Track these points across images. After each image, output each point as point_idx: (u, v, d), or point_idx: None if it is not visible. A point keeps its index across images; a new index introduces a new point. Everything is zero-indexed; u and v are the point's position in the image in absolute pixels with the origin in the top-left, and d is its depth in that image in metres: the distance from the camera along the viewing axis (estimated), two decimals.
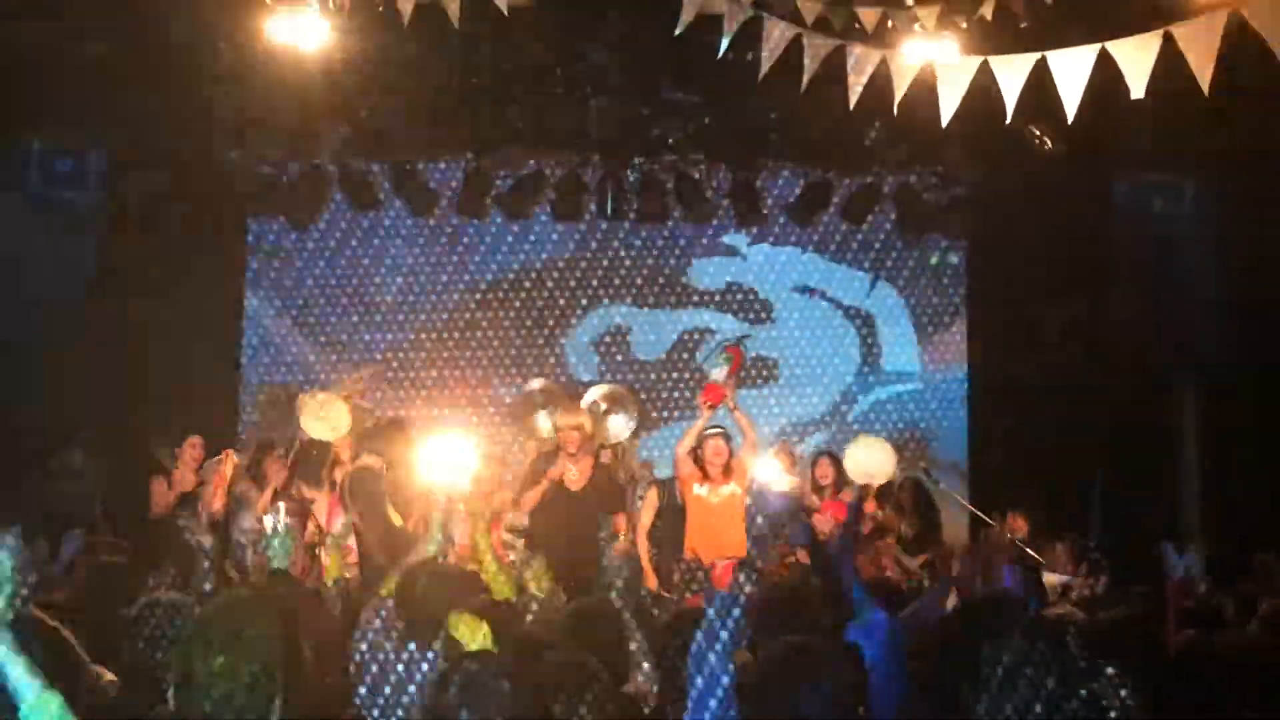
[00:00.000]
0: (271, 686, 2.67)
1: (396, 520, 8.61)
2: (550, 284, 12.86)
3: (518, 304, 12.83)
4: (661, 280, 12.95)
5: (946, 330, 13.06)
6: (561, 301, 12.88)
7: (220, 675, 2.66)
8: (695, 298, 13.00)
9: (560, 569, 8.68)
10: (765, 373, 12.93)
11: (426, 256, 12.77)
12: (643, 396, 12.47)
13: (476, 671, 3.08)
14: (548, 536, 8.90)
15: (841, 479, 9.93)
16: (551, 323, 12.86)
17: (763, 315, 13.06)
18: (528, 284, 12.85)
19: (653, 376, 12.86)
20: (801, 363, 13.03)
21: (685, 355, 12.90)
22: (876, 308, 13.12)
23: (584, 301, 12.89)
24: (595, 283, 12.88)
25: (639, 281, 12.92)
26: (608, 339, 12.95)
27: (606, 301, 12.93)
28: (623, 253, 12.88)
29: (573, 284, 12.87)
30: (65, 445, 10.15)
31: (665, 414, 12.71)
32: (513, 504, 9.15)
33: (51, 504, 9.26)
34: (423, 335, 12.74)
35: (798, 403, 12.97)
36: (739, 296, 13.04)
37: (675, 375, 12.89)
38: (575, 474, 9.05)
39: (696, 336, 12.96)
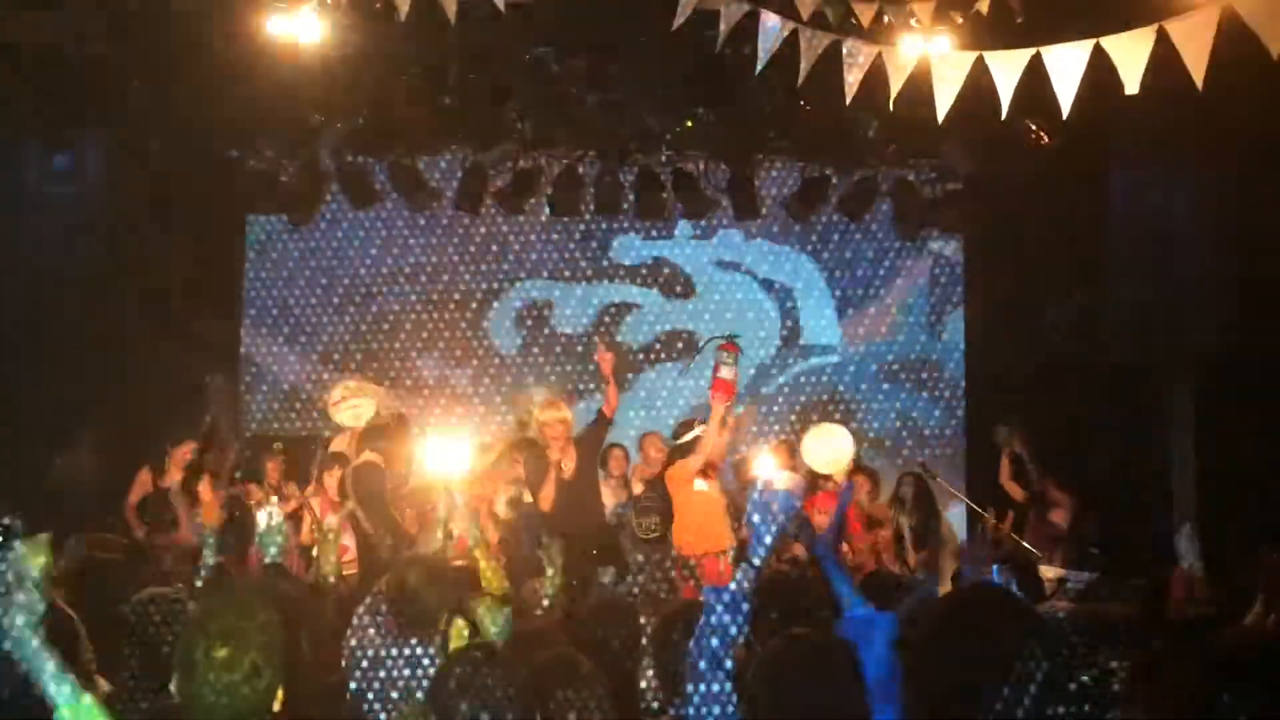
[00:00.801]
0: (272, 679, 2.69)
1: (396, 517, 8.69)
2: (469, 262, 12.91)
3: (440, 285, 12.95)
4: (585, 256, 13.01)
5: (867, 305, 13.12)
6: (482, 280, 12.96)
7: (222, 666, 2.68)
8: (618, 272, 13.04)
9: (570, 558, 8.82)
10: (686, 347, 13.01)
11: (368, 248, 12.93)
12: (565, 369, 12.74)
13: (476, 665, 3.11)
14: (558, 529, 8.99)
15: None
16: (476, 301, 12.95)
17: (684, 290, 13.11)
18: (442, 264, 12.94)
19: (577, 349, 12.94)
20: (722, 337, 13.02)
21: (606, 329, 12.97)
22: (797, 282, 13.15)
23: (502, 278, 12.97)
24: (511, 258, 12.96)
25: (563, 256, 12.97)
26: (529, 313, 13.00)
27: (525, 277, 12.99)
28: (547, 235, 12.95)
29: (490, 262, 12.92)
30: (70, 444, 10.16)
31: (585, 387, 12.76)
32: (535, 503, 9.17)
33: (55, 502, 9.29)
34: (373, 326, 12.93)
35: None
36: (663, 271, 13.07)
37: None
38: (567, 466, 9.09)
39: (616, 311, 13.04)
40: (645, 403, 12.82)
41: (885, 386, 12.87)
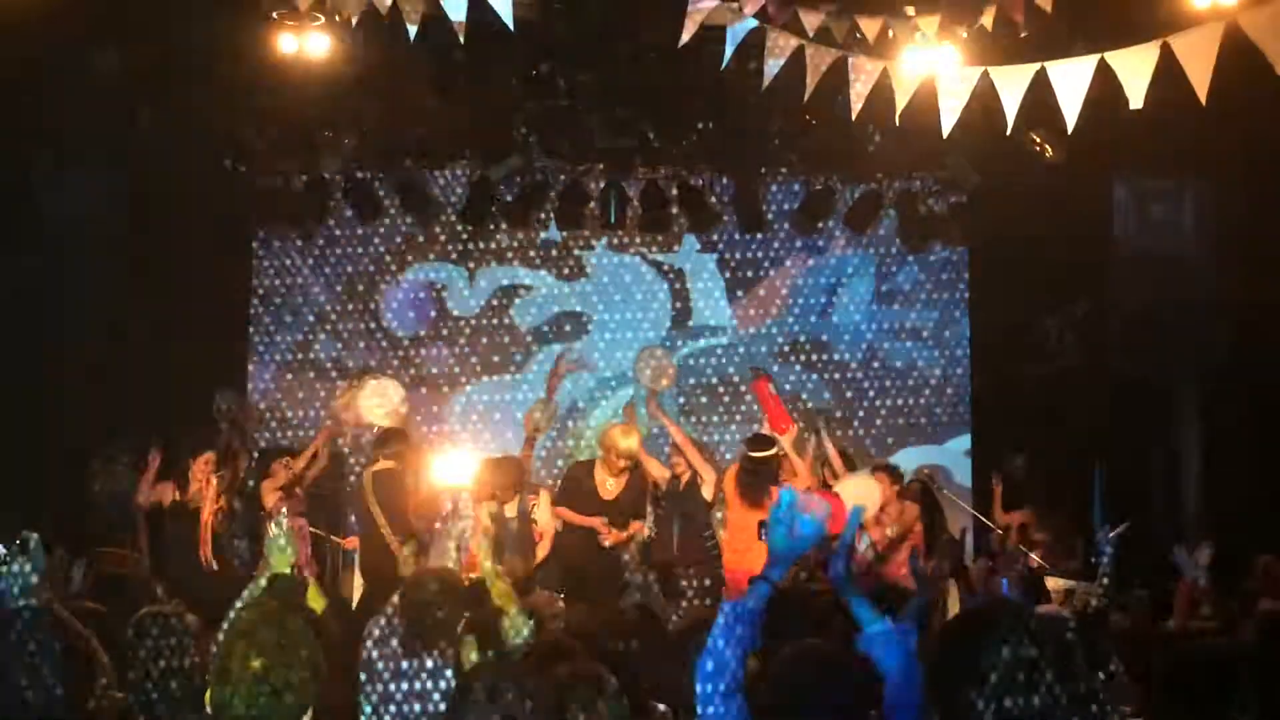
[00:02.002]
0: (303, 695, 2.72)
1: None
2: (362, 243, 12.91)
3: (332, 260, 12.95)
4: (479, 239, 12.96)
5: (757, 286, 13.12)
6: (376, 261, 12.97)
7: (255, 678, 2.71)
8: (509, 255, 13.03)
9: (586, 575, 8.89)
10: (576, 329, 13.06)
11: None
12: (459, 351, 12.83)
13: (498, 679, 3.13)
14: (577, 544, 9.05)
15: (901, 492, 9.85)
16: (364, 282, 12.96)
17: (576, 272, 13.12)
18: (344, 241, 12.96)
19: (467, 331, 12.95)
20: (612, 319, 13.09)
21: (496, 312, 12.99)
22: (686, 263, 13.16)
23: (398, 260, 12.99)
24: (401, 242, 12.94)
25: (456, 238, 12.96)
26: (423, 296, 13.01)
27: (414, 260, 12.98)
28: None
29: (380, 244, 12.92)
30: (105, 458, 10.23)
31: (478, 370, 12.87)
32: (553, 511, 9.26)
33: (67, 520, 9.33)
34: None
35: (606, 359, 13.06)
36: (553, 253, 13.06)
37: (490, 327, 12.98)
38: (612, 485, 9.15)
39: (510, 294, 13.04)
40: (538, 384, 12.71)
41: (776, 368, 12.82)
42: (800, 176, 12.62)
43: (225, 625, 4.33)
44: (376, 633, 4.90)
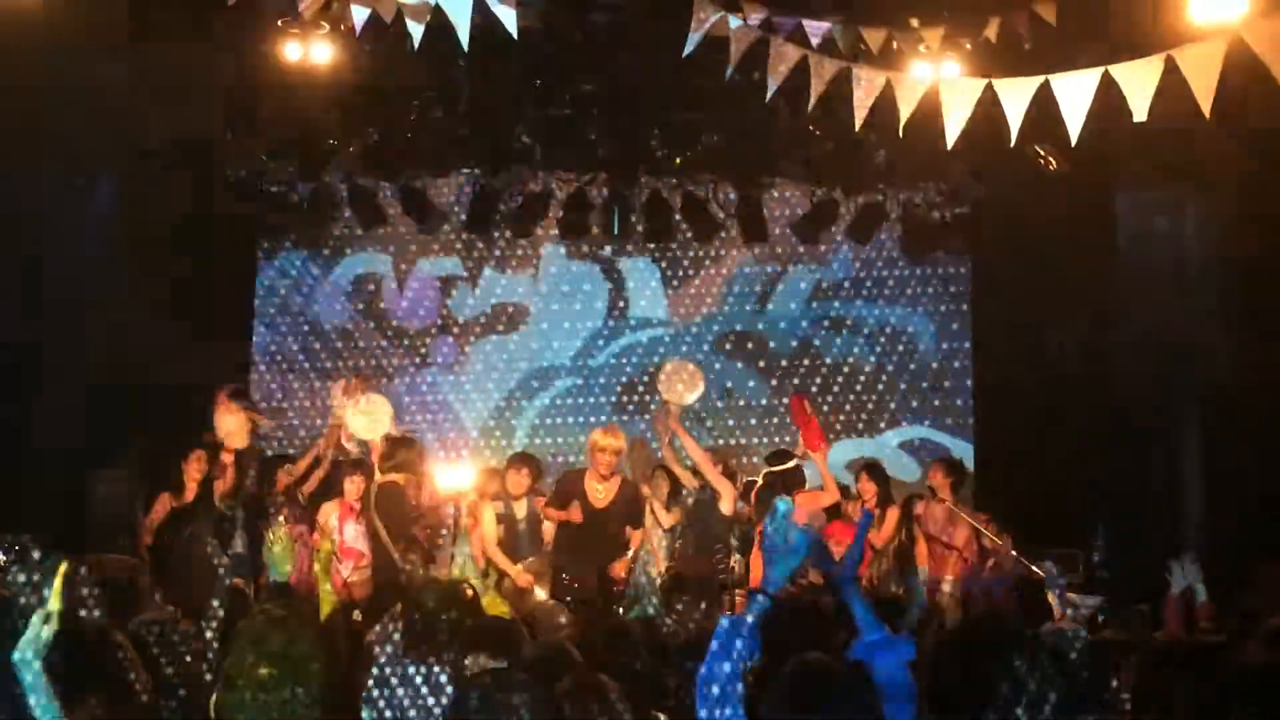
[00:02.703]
0: (310, 705, 2.71)
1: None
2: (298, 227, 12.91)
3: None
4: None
5: (694, 279, 13.20)
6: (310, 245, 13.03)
7: (261, 685, 2.71)
8: (456, 246, 13.08)
9: (583, 585, 8.85)
10: (516, 320, 13.15)
11: None
12: (392, 343, 12.94)
13: (496, 687, 3.12)
14: (572, 555, 9.00)
15: (885, 494, 9.95)
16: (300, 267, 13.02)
17: (518, 265, 13.17)
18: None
19: (399, 320, 13.03)
20: (551, 310, 13.19)
21: (435, 302, 13.07)
22: (627, 258, 13.26)
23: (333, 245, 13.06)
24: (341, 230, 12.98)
25: (398, 230, 12.97)
26: (360, 287, 13.10)
27: (348, 250, 13.04)
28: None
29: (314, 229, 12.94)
30: (87, 468, 10.21)
31: (416, 361, 12.99)
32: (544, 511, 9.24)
33: (70, 525, 9.32)
34: None
35: (545, 349, 13.18)
36: (499, 244, 13.09)
37: (425, 320, 13.08)
38: (602, 492, 9.09)
39: (445, 284, 13.12)
40: (481, 375, 13.00)
41: (713, 360, 12.96)
42: (804, 186, 12.64)
43: (213, 625, 4.32)
44: (379, 641, 4.90)
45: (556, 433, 12.95)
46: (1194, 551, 6.39)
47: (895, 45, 7.38)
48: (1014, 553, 9.70)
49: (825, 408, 12.92)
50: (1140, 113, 6.07)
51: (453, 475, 9.26)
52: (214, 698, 2.88)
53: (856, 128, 6.93)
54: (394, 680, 4.63)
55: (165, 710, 4.11)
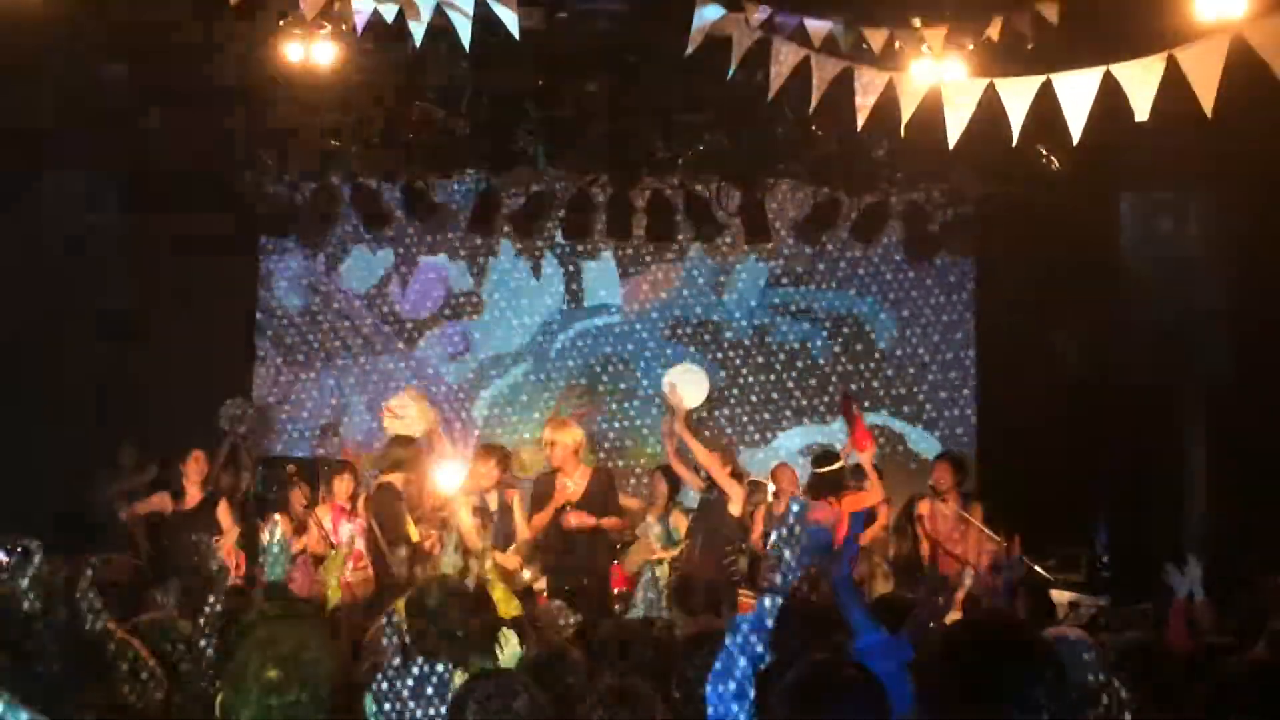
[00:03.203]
0: (317, 709, 2.70)
1: (414, 535, 8.74)
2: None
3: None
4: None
5: (650, 265, 13.28)
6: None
7: (268, 688, 2.70)
8: (408, 236, 13.10)
9: (573, 582, 8.80)
10: (470, 308, 13.23)
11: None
12: (347, 324, 13.03)
13: (494, 690, 3.12)
14: (561, 555, 8.96)
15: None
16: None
17: (479, 254, 13.24)
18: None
19: (358, 308, 13.10)
20: (507, 298, 13.26)
21: (386, 290, 13.14)
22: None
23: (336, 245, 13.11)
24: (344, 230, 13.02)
25: (401, 230, 13.05)
26: (362, 285, 13.16)
27: (352, 250, 13.10)
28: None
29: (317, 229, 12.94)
30: (88, 471, 10.23)
31: (374, 348, 13.10)
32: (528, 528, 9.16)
33: (70, 528, 9.34)
34: None
35: (501, 335, 13.23)
36: (457, 235, 13.12)
37: (383, 310, 13.14)
38: (572, 486, 9.02)
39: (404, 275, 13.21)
40: (430, 364, 13.07)
41: (667, 347, 13.06)
42: (807, 186, 12.63)
43: (205, 623, 4.31)
44: (379, 641, 4.89)
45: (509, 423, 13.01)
46: (1195, 554, 6.38)
47: (897, 45, 7.36)
48: (1020, 554, 9.73)
49: (774, 394, 13.02)
50: (1142, 112, 6.07)
51: (449, 473, 9.24)
52: (219, 698, 2.88)
53: (858, 127, 6.93)
54: (395, 680, 4.63)
55: (174, 709, 4.11)
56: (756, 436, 12.94)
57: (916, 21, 7.31)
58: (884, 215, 12.57)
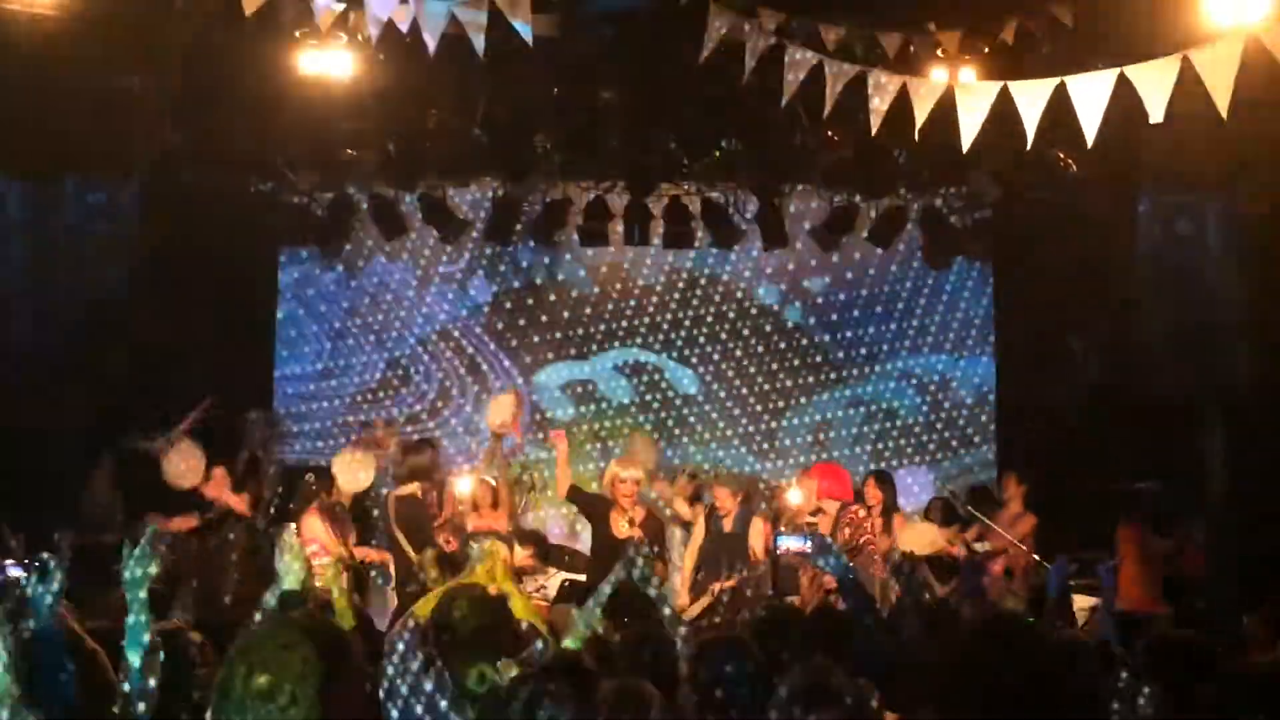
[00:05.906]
0: (310, 712, 2.69)
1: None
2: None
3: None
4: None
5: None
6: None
7: (259, 694, 2.69)
8: (365, 248, 13.02)
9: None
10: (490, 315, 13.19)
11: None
12: (368, 335, 12.97)
13: (536, 693, 3.12)
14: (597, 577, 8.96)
15: (891, 501, 10.04)
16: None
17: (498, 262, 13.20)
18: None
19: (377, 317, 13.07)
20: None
21: (366, 298, 13.07)
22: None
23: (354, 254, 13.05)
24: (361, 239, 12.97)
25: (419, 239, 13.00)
26: (380, 293, 13.12)
27: (370, 259, 13.03)
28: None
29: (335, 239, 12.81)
30: (95, 470, 10.23)
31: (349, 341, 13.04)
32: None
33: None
34: None
35: None
36: (475, 243, 13.05)
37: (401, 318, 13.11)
38: (626, 528, 8.90)
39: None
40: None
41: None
42: (824, 191, 12.60)
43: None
44: (398, 650, 4.89)
45: None
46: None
47: (912, 49, 7.37)
48: (1036, 556, 9.72)
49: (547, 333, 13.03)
50: (1156, 114, 6.06)
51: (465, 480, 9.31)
52: (209, 710, 2.87)
53: (873, 131, 6.93)
54: (405, 689, 4.63)
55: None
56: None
57: (931, 25, 7.32)
58: (902, 219, 12.54)
